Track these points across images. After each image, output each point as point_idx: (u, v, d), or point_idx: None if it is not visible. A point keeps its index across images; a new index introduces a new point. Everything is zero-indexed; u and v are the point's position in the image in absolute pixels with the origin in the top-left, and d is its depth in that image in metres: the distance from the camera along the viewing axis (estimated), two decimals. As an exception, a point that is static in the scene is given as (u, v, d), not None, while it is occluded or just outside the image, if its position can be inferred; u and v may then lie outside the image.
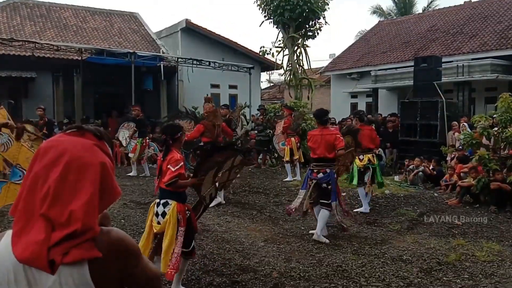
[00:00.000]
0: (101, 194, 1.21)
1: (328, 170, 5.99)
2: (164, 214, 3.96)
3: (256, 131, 13.70)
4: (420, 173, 10.17)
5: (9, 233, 1.21)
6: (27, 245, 1.13)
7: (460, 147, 10.00)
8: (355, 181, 7.58)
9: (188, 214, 4.07)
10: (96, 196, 1.19)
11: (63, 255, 1.13)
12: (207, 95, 11.43)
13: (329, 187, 5.95)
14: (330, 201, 5.92)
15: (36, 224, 1.15)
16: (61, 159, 1.18)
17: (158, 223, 3.99)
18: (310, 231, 6.22)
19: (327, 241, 5.83)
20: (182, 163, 4.05)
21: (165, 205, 3.99)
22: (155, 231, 4.04)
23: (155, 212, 4.04)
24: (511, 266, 4.99)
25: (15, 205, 1.20)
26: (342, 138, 6.08)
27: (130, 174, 11.03)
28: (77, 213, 1.14)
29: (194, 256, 4.37)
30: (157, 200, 4.08)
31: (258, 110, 14.85)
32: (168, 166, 3.98)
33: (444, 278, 4.65)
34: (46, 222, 1.14)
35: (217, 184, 4.46)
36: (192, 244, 4.18)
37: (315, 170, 6.08)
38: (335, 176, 6.13)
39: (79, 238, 1.14)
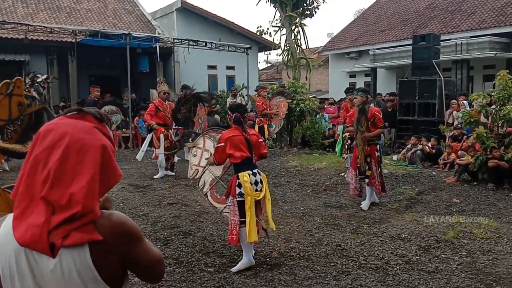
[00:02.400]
0: (102, 177, 1.20)
1: None
2: (261, 181, 4.50)
3: (254, 113, 13.63)
4: (418, 151, 10.18)
5: (10, 216, 1.20)
6: (28, 228, 1.13)
7: (459, 125, 10.00)
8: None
9: None
10: (97, 179, 1.18)
11: (63, 238, 1.12)
12: (160, 78, 11.47)
13: None
14: None
15: (36, 207, 1.14)
16: (61, 142, 1.17)
17: (256, 190, 4.43)
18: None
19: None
20: None
21: (259, 173, 4.53)
22: (258, 198, 4.46)
23: (253, 182, 4.41)
24: (508, 242, 5.03)
25: (16, 188, 1.19)
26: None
27: None
28: (77, 195, 1.13)
29: None
30: (249, 172, 4.42)
31: (255, 91, 14.76)
32: (260, 140, 4.63)
33: (442, 255, 4.69)
34: (46, 205, 1.13)
35: None
36: None
37: None
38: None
39: (79, 221, 1.14)
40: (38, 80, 4.73)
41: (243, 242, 4.36)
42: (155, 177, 8.66)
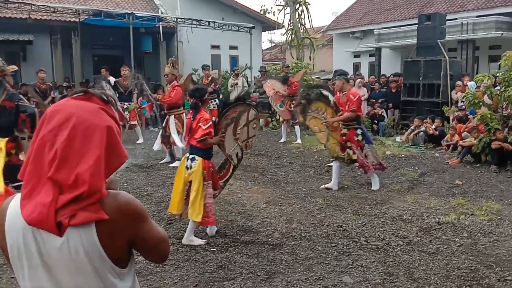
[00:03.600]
0: (108, 157, 1.21)
1: None
2: (191, 168, 4.50)
3: (257, 93, 13.60)
4: (421, 133, 10.16)
5: (18, 196, 1.23)
6: (35, 207, 1.15)
7: (463, 106, 9.94)
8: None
9: (212, 170, 4.61)
10: (103, 159, 1.19)
11: (70, 217, 1.14)
12: (174, 56, 10.85)
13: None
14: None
15: (44, 187, 1.16)
16: (67, 123, 1.18)
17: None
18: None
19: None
20: (211, 122, 4.54)
21: (192, 160, 4.53)
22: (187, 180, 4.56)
23: (186, 165, 4.56)
24: (509, 224, 5.06)
25: (23, 169, 1.21)
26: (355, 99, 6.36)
27: None
28: (84, 175, 1.15)
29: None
30: (187, 155, 4.60)
31: (259, 71, 14.69)
32: (199, 124, 4.45)
33: (443, 237, 4.73)
34: (54, 185, 1.15)
35: (239, 142, 4.89)
36: None
37: None
38: None
39: (86, 200, 1.16)
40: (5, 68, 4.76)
41: None
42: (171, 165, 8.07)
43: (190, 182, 4.52)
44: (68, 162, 1.16)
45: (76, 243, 1.17)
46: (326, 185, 6.71)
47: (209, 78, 11.26)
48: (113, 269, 1.24)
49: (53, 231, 1.15)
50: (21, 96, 4.81)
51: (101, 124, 1.22)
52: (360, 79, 13.64)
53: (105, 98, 1.28)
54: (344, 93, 6.48)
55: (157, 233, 1.34)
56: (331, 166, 7.08)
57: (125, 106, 10.30)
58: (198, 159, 4.49)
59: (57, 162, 1.16)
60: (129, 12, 14.97)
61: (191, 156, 4.54)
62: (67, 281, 1.21)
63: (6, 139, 4.50)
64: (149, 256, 1.42)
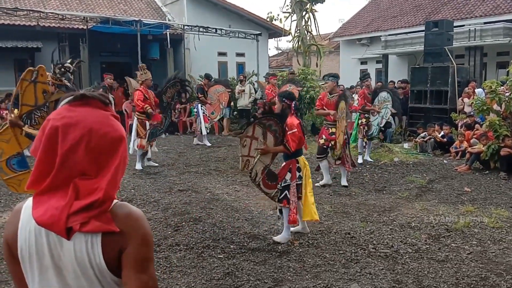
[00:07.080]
0: (122, 166, 1.26)
1: None
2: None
3: (264, 99, 13.58)
4: (431, 139, 10.09)
5: (30, 199, 1.24)
6: (47, 210, 1.16)
7: (472, 113, 9.88)
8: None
9: None
10: (120, 168, 1.24)
11: (81, 224, 1.16)
12: (142, 64, 10.39)
13: None
14: None
15: (59, 191, 1.18)
16: (86, 138, 1.19)
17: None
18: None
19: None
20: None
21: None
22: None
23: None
24: (519, 232, 5.00)
25: (38, 171, 1.20)
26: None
27: None
28: (101, 183, 1.19)
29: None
30: (303, 156, 4.87)
31: (265, 77, 14.70)
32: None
33: (453, 244, 4.68)
34: (72, 190, 1.17)
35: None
36: None
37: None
38: None
39: (98, 208, 1.17)
40: (65, 65, 4.80)
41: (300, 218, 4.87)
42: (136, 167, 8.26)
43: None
44: (88, 174, 1.19)
45: (82, 248, 1.18)
46: (320, 183, 7.22)
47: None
48: (113, 280, 1.23)
49: (62, 235, 1.16)
50: None
51: (117, 135, 1.25)
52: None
53: (104, 99, 1.26)
54: (333, 95, 7.02)
55: (153, 271, 1.27)
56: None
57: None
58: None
59: (78, 172, 1.18)
60: (136, 19, 15.07)
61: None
62: (74, 283, 1.22)
63: None
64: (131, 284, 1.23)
